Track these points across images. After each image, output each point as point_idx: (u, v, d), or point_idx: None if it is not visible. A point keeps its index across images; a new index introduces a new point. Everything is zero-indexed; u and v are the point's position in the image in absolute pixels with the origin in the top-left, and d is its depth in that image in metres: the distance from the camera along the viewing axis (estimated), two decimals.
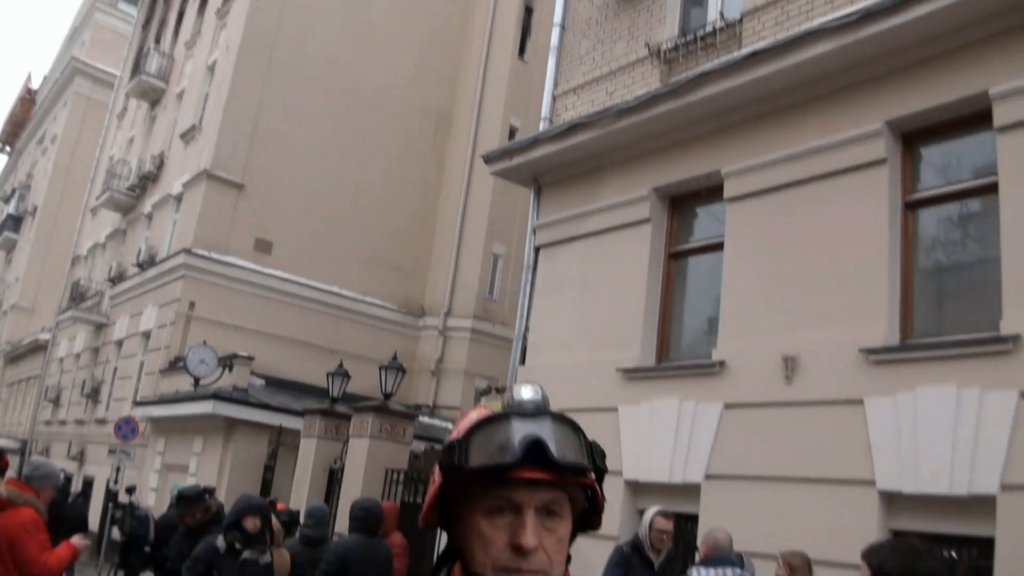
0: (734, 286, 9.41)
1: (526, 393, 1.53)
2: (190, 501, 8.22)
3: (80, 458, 27.20)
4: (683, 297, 10.54)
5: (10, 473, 7.23)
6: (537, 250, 12.15)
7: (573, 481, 1.48)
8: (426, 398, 22.74)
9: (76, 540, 6.66)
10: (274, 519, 8.01)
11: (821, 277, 8.62)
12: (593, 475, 1.53)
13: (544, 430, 1.45)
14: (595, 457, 1.51)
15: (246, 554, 6.96)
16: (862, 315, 8.23)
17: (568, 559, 1.54)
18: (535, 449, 1.41)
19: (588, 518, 1.60)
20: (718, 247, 9.82)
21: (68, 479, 18.01)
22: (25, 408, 38.00)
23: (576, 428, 1.51)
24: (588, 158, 11.34)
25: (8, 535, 6.03)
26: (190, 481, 16.14)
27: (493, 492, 1.46)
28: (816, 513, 7.99)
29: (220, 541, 7.11)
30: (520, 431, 1.45)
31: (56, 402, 32.42)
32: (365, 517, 7.70)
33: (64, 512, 10.24)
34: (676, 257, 10.58)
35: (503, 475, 1.43)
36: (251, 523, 7.12)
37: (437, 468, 1.53)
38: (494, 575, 1.44)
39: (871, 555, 2.99)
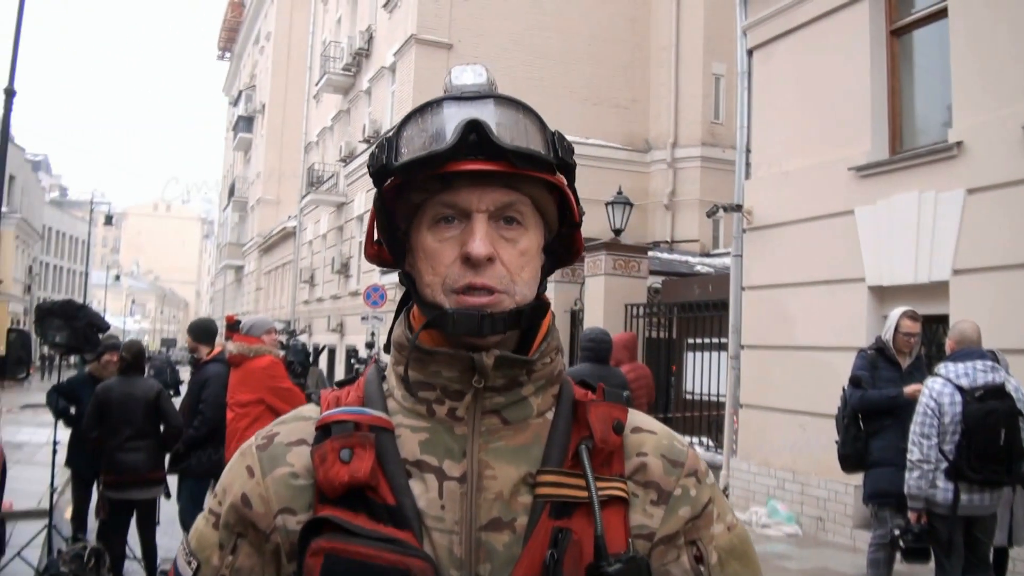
0: (964, 56, 8.68)
1: (467, 76, 1.27)
2: None
3: (340, 330, 28.87)
4: (911, 78, 9.87)
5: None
6: (750, 53, 11.67)
7: (532, 176, 1.21)
8: (662, 234, 22.14)
9: None
10: None
11: None
12: (562, 176, 1.26)
13: (486, 112, 1.20)
14: (558, 148, 1.23)
15: None
16: None
17: (543, 286, 1.30)
18: (475, 133, 1.16)
19: (567, 241, 1.35)
20: (942, 14, 9.06)
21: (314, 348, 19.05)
22: (284, 292, 40.47)
23: (531, 112, 1.25)
24: None
25: (260, 381, 6.69)
26: None
27: (436, 199, 1.22)
28: None
29: None
30: (457, 115, 1.19)
31: (311, 282, 34.47)
32: (594, 348, 7.73)
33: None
34: (898, 34, 9.84)
35: (440, 170, 1.18)
36: None
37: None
38: (445, 296, 1.21)
39: None
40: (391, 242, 1.32)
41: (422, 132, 1.21)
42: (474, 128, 1.16)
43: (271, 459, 1.26)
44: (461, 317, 1.19)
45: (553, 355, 1.30)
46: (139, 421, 7.20)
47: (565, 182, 1.27)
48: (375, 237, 1.34)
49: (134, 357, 7.60)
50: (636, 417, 1.33)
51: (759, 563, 1.34)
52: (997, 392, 5.61)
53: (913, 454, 5.76)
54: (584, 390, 1.34)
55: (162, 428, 7.37)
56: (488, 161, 1.17)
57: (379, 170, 1.24)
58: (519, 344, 1.28)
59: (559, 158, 1.23)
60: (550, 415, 1.28)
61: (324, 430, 1.22)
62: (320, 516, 1.16)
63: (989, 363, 5.77)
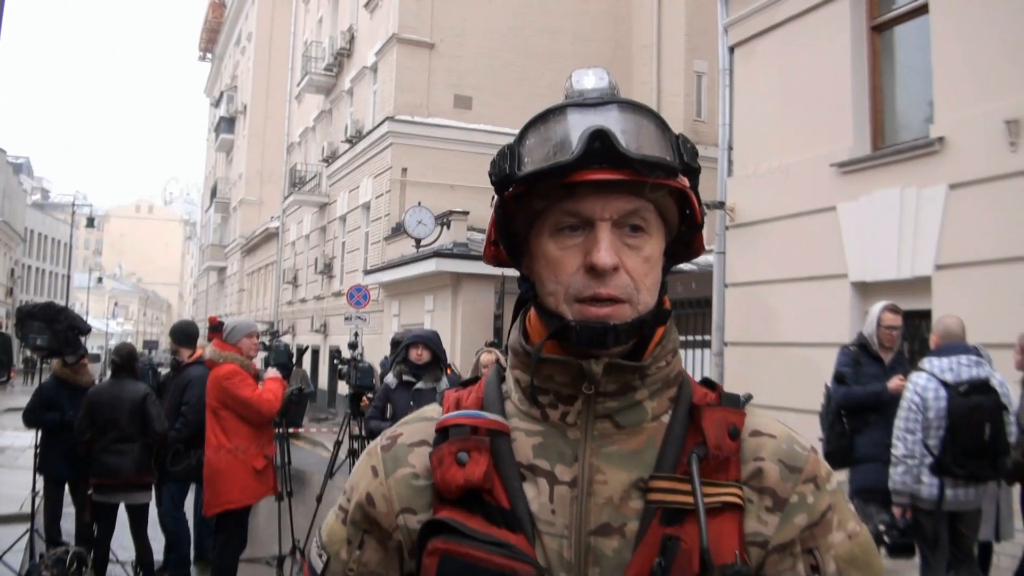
0: (945, 52, 8.67)
1: (588, 80, 1.26)
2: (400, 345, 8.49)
3: (323, 330, 28.85)
4: (892, 74, 9.86)
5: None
6: (731, 50, 11.64)
7: (657, 182, 1.20)
8: None
9: (271, 372, 7.34)
10: None
11: None
12: (686, 180, 1.25)
13: (611, 119, 1.17)
14: (683, 152, 1.23)
15: (419, 384, 7.15)
16: None
17: (664, 288, 1.28)
18: (600, 142, 1.14)
19: (686, 240, 1.33)
20: (923, 10, 9.04)
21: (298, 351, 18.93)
22: (267, 293, 40.43)
23: (655, 116, 1.23)
24: None
25: (220, 389, 6.76)
26: None
27: (559, 207, 1.20)
28: None
29: (390, 377, 7.35)
30: (580, 123, 1.17)
31: (294, 283, 34.46)
32: None
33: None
34: (879, 30, 9.83)
35: (565, 180, 1.17)
36: (415, 354, 7.28)
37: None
38: (568, 306, 1.20)
39: None
40: (509, 244, 1.33)
41: (545, 141, 1.20)
42: (599, 137, 1.15)
43: (394, 460, 1.31)
44: (584, 329, 1.19)
45: (669, 358, 1.29)
46: (124, 424, 7.17)
47: (688, 184, 1.26)
48: (493, 239, 1.34)
49: (124, 360, 7.55)
50: (757, 419, 1.30)
51: (883, 574, 1.29)
52: (982, 387, 5.61)
53: (898, 449, 5.75)
54: (705, 389, 1.32)
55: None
56: (613, 170, 1.16)
57: (502, 179, 1.23)
58: (635, 346, 1.26)
59: (684, 162, 1.23)
60: (666, 418, 1.28)
61: (442, 433, 1.26)
62: (437, 518, 1.20)
63: (974, 358, 5.75)
